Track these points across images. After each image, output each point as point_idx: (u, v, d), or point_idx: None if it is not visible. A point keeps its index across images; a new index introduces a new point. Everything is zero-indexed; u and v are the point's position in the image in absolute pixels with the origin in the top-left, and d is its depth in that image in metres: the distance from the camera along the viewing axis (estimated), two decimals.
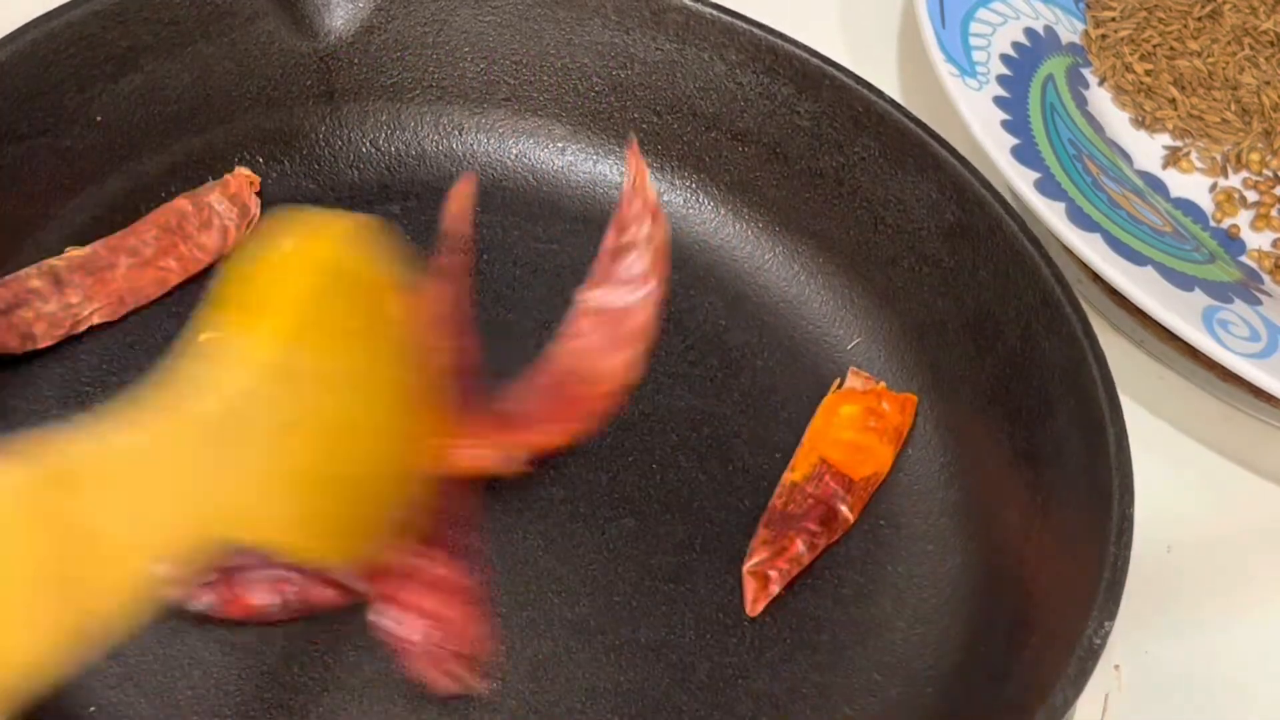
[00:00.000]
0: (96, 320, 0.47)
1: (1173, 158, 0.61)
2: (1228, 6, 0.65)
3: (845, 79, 0.52)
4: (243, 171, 0.51)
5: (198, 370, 0.35)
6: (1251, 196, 0.60)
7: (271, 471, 0.36)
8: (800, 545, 0.46)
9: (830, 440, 0.49)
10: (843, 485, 0.47)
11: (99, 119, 0.49)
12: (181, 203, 0.50)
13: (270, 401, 0.36)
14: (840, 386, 0.50)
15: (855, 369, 0.51)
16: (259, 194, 0.51)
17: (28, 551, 0.30)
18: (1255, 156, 0.61)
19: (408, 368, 0.41)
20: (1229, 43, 0.64)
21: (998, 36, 0.60)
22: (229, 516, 0.35)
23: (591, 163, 0.55)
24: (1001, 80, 0.57)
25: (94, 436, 0.32)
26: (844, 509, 0.47)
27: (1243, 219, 0.59)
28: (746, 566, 0.46)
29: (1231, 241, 0.58)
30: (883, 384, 0.50)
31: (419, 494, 0.42)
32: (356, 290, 0.39)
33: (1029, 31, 0.61)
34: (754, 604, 0.45)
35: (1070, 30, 0.63)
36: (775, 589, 0.45)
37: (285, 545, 0.38)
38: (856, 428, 0.49)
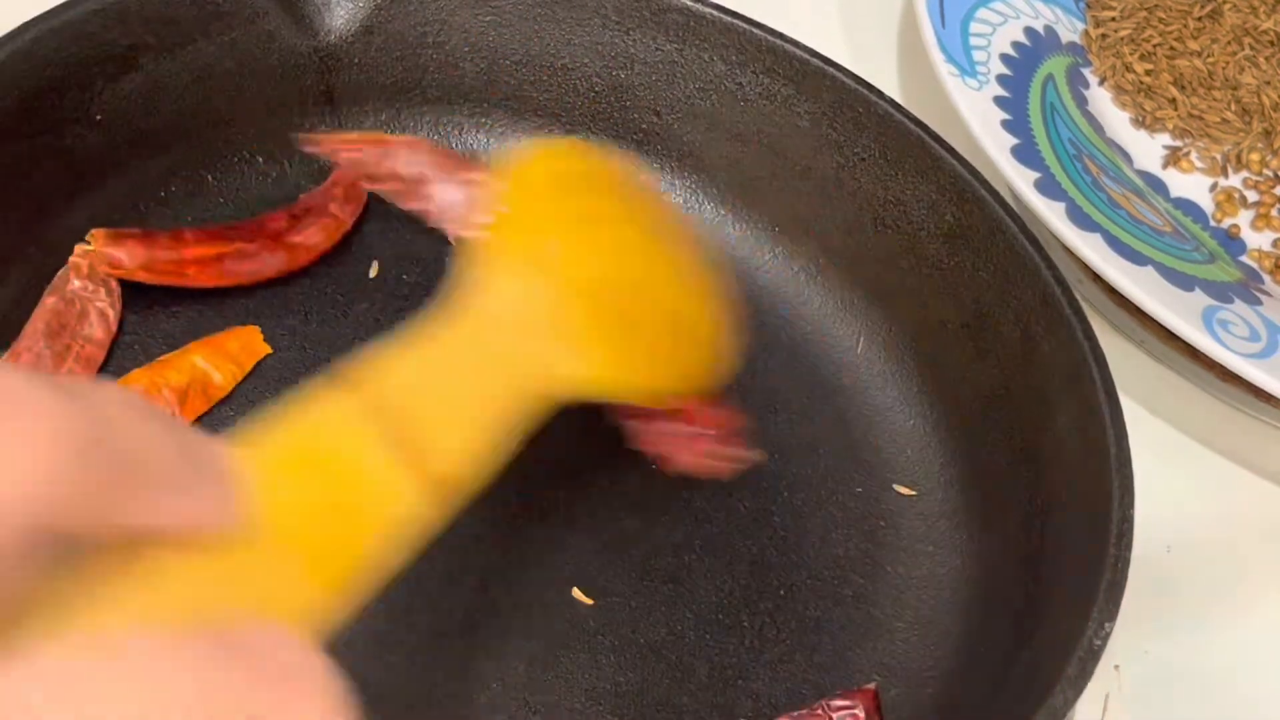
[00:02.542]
0: None
1: (1173, 158, 0.61)
2: (1228, 6, 0.65)
3: (845, 79, 0.52)
4: (82, 247, 0.48)
5: (479, 273, 0.38)
6: (1251, 196, 0.60)
7: (580, 327, 0.39)
8: None
9: None
10: None
11: (99, 119, 0.49)
12: (50, 302, 0.47)
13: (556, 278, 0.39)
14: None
15: None
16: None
17: (370, 470, 0.32)
18: (1255, 156, 0.61)
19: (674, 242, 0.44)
20: (1229, 43, 0.64)
21: (998, 36, 0.59)
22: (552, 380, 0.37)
23: None
24: (1001, 80, 0.57)
25: (402, 353, 0.35)
26: None
27: (1243, 219, 0.59)
28: None
29: (1231, 241, 0.58)
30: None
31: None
32: (609, 186, 0.42)
33: (1029, 31, 0.61)
34: None
35: (1070, 30, 0.63)
36: None
37: (609, 386, 0.39)
38: None
